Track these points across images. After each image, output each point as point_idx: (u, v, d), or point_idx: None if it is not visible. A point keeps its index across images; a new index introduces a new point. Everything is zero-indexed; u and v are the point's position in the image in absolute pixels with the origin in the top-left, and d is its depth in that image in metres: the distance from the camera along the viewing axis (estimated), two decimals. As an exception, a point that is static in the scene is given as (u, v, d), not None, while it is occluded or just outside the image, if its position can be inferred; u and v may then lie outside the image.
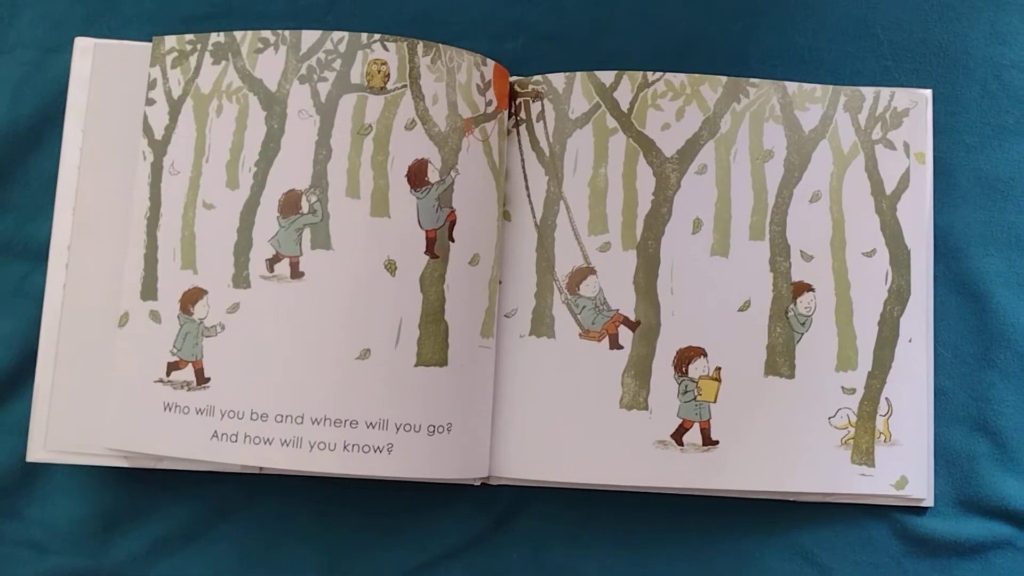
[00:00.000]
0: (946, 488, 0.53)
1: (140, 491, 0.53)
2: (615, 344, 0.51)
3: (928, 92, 0.54)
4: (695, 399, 0.51)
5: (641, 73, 0.53)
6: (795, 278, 0.52)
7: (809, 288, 0.52)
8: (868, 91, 0.53)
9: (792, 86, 0.53)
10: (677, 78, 0.53)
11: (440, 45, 0.51)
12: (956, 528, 0.52)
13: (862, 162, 0.53)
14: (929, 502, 0.52)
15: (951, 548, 0.52)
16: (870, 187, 0.52)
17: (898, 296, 0.52)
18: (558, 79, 0.53)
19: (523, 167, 0.53)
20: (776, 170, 0.52)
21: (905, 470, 0.51)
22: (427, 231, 0.50)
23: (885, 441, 0.51)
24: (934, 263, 0.53)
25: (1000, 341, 0.54)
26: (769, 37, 0.56)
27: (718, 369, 0.51)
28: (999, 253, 0.54)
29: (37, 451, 0.51)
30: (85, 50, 0.53)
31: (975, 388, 0.53)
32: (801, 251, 0.52)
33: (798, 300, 0.52)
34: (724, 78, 0.53)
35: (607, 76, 0.53)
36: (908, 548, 0.52)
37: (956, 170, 0.55)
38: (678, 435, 0.51)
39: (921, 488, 0.51)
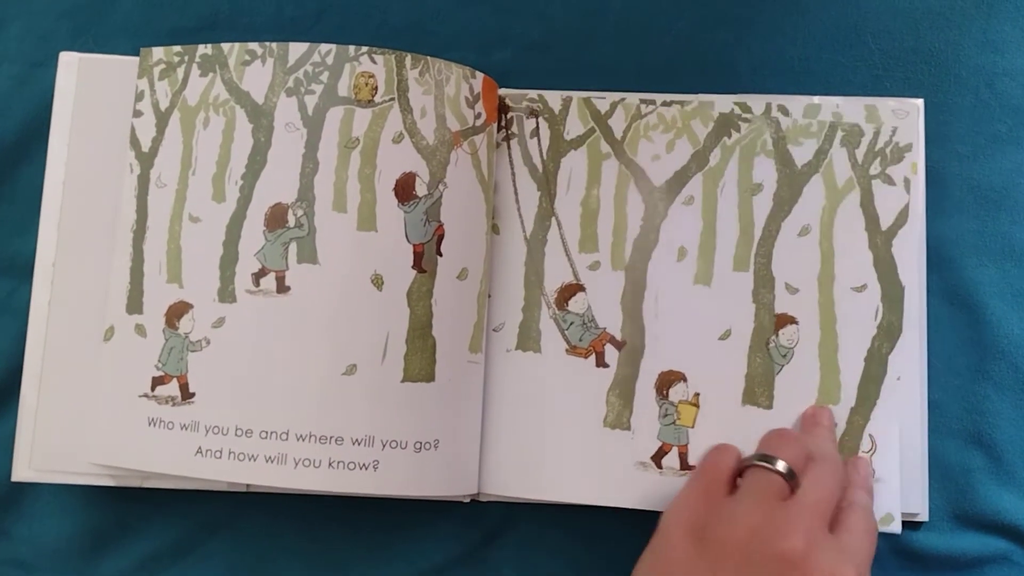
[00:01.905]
0: (941, 502, 0.52)
1: (127, 509, 0.53)
2: (601, 362, 0.51)
3: (920, 101, 0.53)
4: (674, 423, 0.51)
5: (636, 103, 0.53)
6: (779, 310, 0.51)
7: (792, 320, 0.51)
8: (868, 126, 0.52)
9: (787, 121, 0.52)
10: (669, 112, 0.53)
11: (428, 58, 0.50)
12: (951, 542, 0.52)
13: (857, 197, 0.52)
14: (924, 516, 0.51)
15: (947, 563, 0.51)
16: (864, 222, 0.51)
17: (888, 333, 0.51)
18: (554, 99, 0.53)
19: (513, 181, 0.53)
20: (765, 203, 0.52)
21: (890, 507, 0.49)
22: (414, 245, 0.49)
23: None
24: (927, 274, 0.52)
25: (994, 353, 0.53)
26: (758, 47, 0.56)
27: (696, 395, 0.51)
28: (993, 263, 0.54)
29: (22, 470, 0.50)
30: (69, 65, 0.53)
31: (969, 400, 0.53)
32: (786, 283, 0.51)
33: (780, 332, 0.51)
34: (716, 112, 0.52)
35: (603, 103, 0.53)
36: (903, 563, 0.52)
37: (948, 180, 0.54)
38: (658, 457, 0.50)
39: (916, 503, 0.50)
